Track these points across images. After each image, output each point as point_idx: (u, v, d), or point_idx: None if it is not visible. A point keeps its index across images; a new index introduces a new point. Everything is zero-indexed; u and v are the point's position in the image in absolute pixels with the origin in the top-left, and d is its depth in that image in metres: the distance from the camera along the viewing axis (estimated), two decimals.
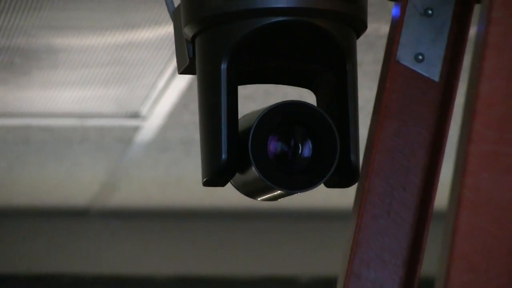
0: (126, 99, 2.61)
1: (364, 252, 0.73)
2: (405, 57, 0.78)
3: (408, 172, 0.77)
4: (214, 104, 0.77)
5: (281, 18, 0.77)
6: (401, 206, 0.79)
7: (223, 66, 0.76)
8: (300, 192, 0.77)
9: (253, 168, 0.75)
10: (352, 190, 0.76)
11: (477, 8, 0.69)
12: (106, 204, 3.68)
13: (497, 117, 0.54)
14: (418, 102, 0.74)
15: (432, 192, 0.71)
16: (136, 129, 2.88)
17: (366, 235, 0.74)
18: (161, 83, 2.63)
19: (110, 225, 4.03)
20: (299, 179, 0.79)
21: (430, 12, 0.77)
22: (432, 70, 0.78)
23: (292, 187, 0.77)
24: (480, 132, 0.56)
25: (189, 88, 2.45)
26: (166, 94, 2.68)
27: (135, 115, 2.80)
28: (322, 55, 0.80)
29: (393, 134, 0.75)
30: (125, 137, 2.88)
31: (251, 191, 0.82)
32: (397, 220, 0.73)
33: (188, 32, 0.79)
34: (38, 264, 4.32)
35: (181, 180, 3.48)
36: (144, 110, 2.74)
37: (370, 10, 0.77)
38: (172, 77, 2.40)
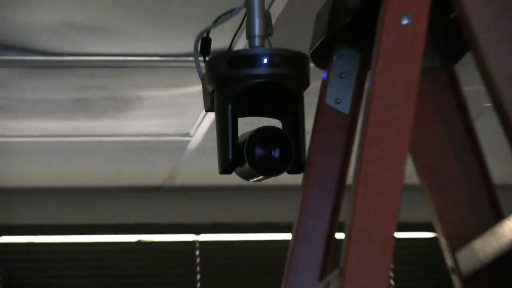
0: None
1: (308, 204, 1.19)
2: (329, 100, 1.28)
3: (326, 184, 1.25)
4: (224, 128, 1.25)
5: (263, 80, 1.28)
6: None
7: (229, 107, 1.25)
8: (273, 176, 1.26)
9: (247, 164, 1.24)
10: None
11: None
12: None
13: (382, 142, 0.94)
14: (334, 132, 1.29)
15: (340, 197, 1.26)
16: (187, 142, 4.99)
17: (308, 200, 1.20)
18: (201, 115, 4.50)
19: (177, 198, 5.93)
20: (273, 169, 1.26)
21: (343, 75, 1.28)
22: (345, 107, 1.27)
23: (269, 174, 1.25)
24: (369, 154, 0.93)
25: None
26: (203, 123, 4.61)
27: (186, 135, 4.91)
28: (285, 101, 1.31)
29: (320, 151, 1.25)
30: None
31: (246, 176, 1.32)
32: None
33: (209, 88, 1.29)
34: None
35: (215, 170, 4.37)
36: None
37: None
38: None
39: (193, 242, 5.81)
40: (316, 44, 1.31)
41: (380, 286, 0.88)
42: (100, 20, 3.52)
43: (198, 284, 5.71)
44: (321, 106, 1.29)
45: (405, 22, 0.97)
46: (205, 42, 1.43)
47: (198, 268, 5.78)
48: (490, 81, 0.97)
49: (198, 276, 5.79)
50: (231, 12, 1.37)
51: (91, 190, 5.70)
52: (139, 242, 5.86)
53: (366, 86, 1.14)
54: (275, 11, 3.19)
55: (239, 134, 1.29)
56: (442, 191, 1.23)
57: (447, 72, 1.23)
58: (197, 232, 5.85)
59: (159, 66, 4.16)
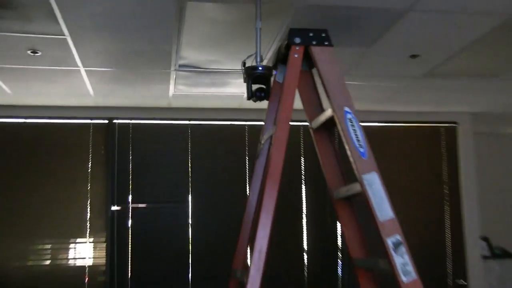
0: None
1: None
2: (276, 79, 3.50)
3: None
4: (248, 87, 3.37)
5: (259, 73, 3.51)
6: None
7: (250, 83, 3.37)
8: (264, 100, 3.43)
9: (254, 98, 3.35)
10: None
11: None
12: None
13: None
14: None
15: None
16: None
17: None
18: None
19: None
20: (262, 99, 3.34)
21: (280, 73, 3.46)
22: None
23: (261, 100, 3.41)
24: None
25: None
26: None
27: None
28: (266, 81, 3.54)
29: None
30: None
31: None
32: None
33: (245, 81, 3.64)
34: None
35: None
36: None
37: None
38: None
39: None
40: (272, 64, 3.53)
41: None
42: None
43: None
44: (274, 82, 3.46)
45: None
46: (244, 65, 3.37)
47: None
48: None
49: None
50: (252, 55, 3.38)
51: None
52: None
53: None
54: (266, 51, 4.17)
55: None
56: None
57: (310, 73, 3.39)
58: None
59: None
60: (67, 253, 6.39)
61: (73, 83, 5.61)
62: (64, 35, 4.27)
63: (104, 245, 6.37)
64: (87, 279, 6.32)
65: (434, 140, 7.31)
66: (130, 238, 6.42)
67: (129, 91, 5.95)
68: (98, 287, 6.34)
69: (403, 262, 2.83)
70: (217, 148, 6.85)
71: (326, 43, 3.10)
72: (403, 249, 2.84)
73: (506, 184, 8.37)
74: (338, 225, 6.75)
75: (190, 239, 6.58)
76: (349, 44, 4.66)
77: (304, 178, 6.86)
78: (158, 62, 5.03)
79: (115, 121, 6.61)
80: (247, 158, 6.78)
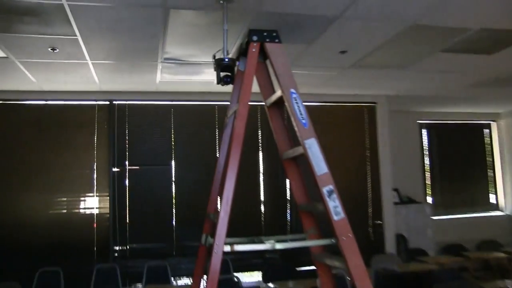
0: None
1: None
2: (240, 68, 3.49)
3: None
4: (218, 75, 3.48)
5: (226, 63, 3.51)
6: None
7: (219, 71, 3.47)
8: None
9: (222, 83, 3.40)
10: None
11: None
12: None
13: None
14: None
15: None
16: None
17: None
18: None
19: None
20: (226, 82, 3.40)
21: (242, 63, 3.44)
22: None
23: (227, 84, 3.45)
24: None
25: None
26: None
27: None
28: (231, 69, 3.52)
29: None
30: None
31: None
32: None
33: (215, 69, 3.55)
34: None
35: None
36: None
37: None
38: None
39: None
40: (236, 56, 3.52)
41: None
42: None
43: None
44: (237, 71, 3.47)
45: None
46: (214, 57, 3.36)
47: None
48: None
49: None
50: (220, 50, 3.43)
51: None
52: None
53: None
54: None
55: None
56: None
57: (265, 64, 3.39)
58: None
59: None
60: (80, 204, 6.33)
61: (82, 73, 5.55)
62: (76, 36, 4.29)
63: (107, 198, 6.33)
64: (95, 224, 6.29)
65: (359, 116, 7.37)
66: (127, 192, 6.40)
67: (126, 78, 5.86)
68: (103, 230, 6.31)
69: (334, 205, 2.87)
70: (194, 123, 6.80)
71: (277, 40, 3.08)
72: (334, 195, 2.89)
73: (411, 149, 8.54)
74: (287, 180, 6.80)
75: (173, 192, 6.59)
76: (293, 42, 4.67)
77: (261, 146, 6.88)
78: (147, 56, 5.00)
79: (114, 102, 6.55)
80: (216, 129, 6.78)
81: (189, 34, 4.37)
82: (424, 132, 8.76)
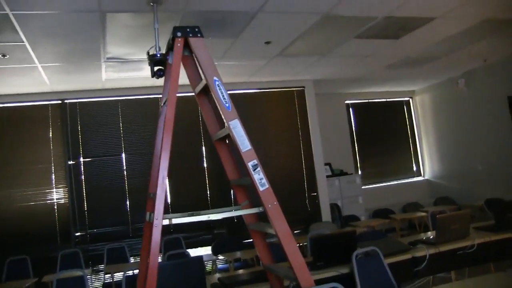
0: None
1: None
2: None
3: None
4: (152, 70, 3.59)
5: (158, 58, 3.60)
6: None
7: (153, 65, 3.56)
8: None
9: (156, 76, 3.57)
10: None
11: None
12: None
13: None
14: None
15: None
16: None
17: None
18: None
19: None
20: (159, 75, 3.62)
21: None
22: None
23: (159, 77, 3.59)
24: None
25: None
26: None
27: None
28: (164, 64, 3.61)
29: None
30: None
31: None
32: None
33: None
34: None
35: None
36: None
37: None
38: None
39: None
40: (166, 52, 3.58)
41: None
42: None
43: None
44: (167, 64, 3.58)
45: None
46: (148, 53, 3.41)
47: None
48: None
49: None
50: (153, 47, 3.48)
51: None
52: None
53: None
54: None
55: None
56: None
57: (192, 57, 3.48)
58: None
59: None
60: (40, 196, 6.28)
61: (34, 76, 5.51)
62: (23, 42, 4.31)
63: (66, 189, 6.33)
64: (56, 213, 6.28)
65: (290, 100, 7.53)
66: (83, 183, 6.41)
67: (74, 78, 5.84)
68: (64, 218, 6.31)
69: (259, 178, 3.01)
70: (141, 115, 6.82)
71: (199, 35, 3.15)
72: (258, 169, 3.02)
73: (340, 127, 8.82)
74: None
75: (125, 180, 6.63)
76: (222, 37, 4.81)
77: (203, 133, 7.00)
78: (91, 57, 5.03)
79: (66, 101, 6.50)
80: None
81: (126, 35, 4.44)
82: (352, 111, 9.05)
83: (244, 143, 3.07)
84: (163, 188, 2.94)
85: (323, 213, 7.29)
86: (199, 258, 3.68)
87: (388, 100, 9.30)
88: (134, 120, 6.76)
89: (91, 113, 6.60)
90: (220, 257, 6.01)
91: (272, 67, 6.38)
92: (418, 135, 9.48)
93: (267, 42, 5.21)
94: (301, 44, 5.39)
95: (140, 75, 6.02)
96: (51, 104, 6.45)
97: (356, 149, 8.90)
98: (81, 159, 6.43)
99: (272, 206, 3.00)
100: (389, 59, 6.59)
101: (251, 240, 3.54)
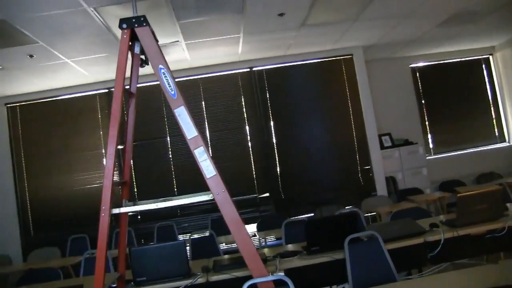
0: None
1: None
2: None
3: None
4: None
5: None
6: None
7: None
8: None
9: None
10: None
11: None
12: None
13: None
14: None
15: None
16: None
17: None
18: None
19: None
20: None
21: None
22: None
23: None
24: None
25: None
26: None
27: None
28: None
29: None
30: None
31: None
32: None
33: None
34: None
35: None
36: None
37: None
38: None
39: None
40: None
41: None
42: None
43: None
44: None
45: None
46: None
47: None
48: None
49: None
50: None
51: None
52: None
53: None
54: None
55: None
56: None
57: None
58: None
59: None
60: (95, 180, 6.81)
61: (70, 70, 5.90)
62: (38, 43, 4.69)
63: (117, 172, 6.74)
64: None
65: (336, 69, 7.17)
66: (132, 165, 6.77)
67: (112, 68, 6.14)
68: (117, 199, 6.69)
69: (206, 165, 2.99)
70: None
71: (144, 24, 3.11)
72: (205, 156, 3.00)
73: (405, 93, 8.17)
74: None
75: (171, 160, 6.88)
76: (224, 12, 4.68)
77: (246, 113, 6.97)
78: (109, 46, 5.22)
79: (112, 89, 6.84)
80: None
81: None
82: (419, 75, 8.33)
83: (190, 130, 3.05)
84: (110, 178, 3.04)
85: (378, 187, 6.94)
86: (181, 243, 3.74)
87: (462, 59, 8.38)
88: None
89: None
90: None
91: (304, 38, 6.14)
92: (500, 96, 8.42)
93: (281, 14, 5.00)
94: (321, 13, 5.09)
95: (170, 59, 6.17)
96: (98, 93, 6.88)
97: (425, 116, 8.19)
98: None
99: (220, 193, 3.00)
100: (437, 17, 5.91)
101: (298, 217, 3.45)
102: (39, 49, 4.88)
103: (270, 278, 2.83)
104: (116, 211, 3.05)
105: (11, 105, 6.78)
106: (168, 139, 6.90)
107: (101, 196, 2.96)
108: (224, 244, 5.93)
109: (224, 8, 4.54)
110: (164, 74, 3.12)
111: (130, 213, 6.69)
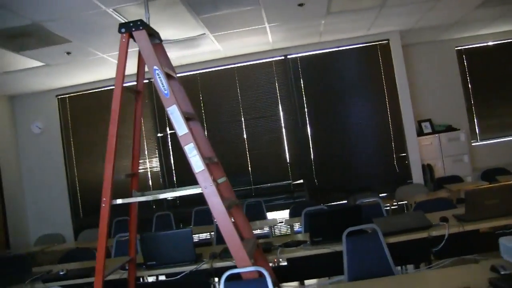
0: None
1: None
2: None
3: None
4: None
5: None
6: None
7: None
8: None
9: None
10: None
11: None
12: None
13: None
14: None
15: None
16: None
17: None
18: None
19: None
20: None
21: None
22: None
23: None
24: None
25: None
26: None
27: None
28: None
29: None
30: None
31: None
32: None
33: None
34: None
35: None
36: None
37: None
38: None
39: None
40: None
41: None
42: None
43: None
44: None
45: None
46: None
47: None
48: None
49: None
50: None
51: None
52: None
53: None
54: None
55: None
56: None
57: (161, 45, 3.67)
58: None
59: None
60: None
61: (108, 64, 6.26)
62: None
63: (157, 158, 7.14)
64: (150, 180, 7.16)
65: (372, 54, 7.06)
66: (171, 152, 7.13)
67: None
68: (157, 185, 7.18)
69: (195, 160, 3.15)
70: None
71: (141, 28, 3.29)
72: (195, 151, 3.16)
73: (449, 77, 7.86)
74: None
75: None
76: (241, 6, 4.80)
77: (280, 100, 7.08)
78: None
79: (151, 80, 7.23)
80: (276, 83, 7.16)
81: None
82: (465, 58, 7.96)
83: (181, 127, 3.22)
84: (110, 171, 3.33)
85: (413, 174, 6.83)
86: (188, 231, 3.98)
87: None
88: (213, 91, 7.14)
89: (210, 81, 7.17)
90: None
91: (334, 25, 6.13)
92: None
93: (300, 4, 5.04)
94: (343, 0, 5.07)
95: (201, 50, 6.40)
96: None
97: (472, 101, 7.85)
98: (168, 131, 7.10)
99: (208, 188, 3.14)
100: None
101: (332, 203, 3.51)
102: (74, 47, 5.27)
103: (249, 269, 2.98)
104: (116, 201, 3.31)
105: (61, 96, 7.33)
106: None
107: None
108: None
109: (239, 1, 4.65)
110: (158, 75, 3.30)
111: (169, 198, 7.09)
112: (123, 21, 4.60)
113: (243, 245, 3.05)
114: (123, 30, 3.36)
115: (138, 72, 3.85)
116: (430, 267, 3.83)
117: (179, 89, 3.80)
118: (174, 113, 3.26)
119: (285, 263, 3.96)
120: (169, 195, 3.44)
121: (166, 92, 3.29)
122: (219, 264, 3.82)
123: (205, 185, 3.13)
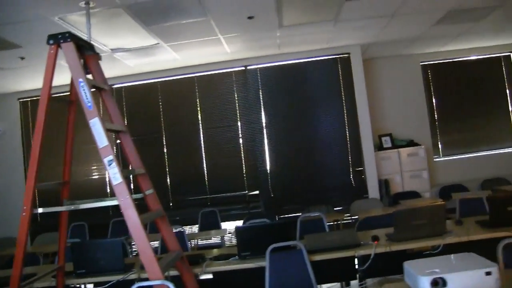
0: None
1: None
2: None
3: None
4: None
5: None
6: None
7: None
8: None
9: None
10: None
11: None
12: None
13: None
14: None
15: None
16: None
17: None
18: None
19: None
20: None
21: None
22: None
23: None
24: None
25: None
26: None
27: None
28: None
29: None
30: None
31: None
32: None
33: None
34: None
35: None
36: None
37: None
38: None
39: None
40: None
41: None
42: None
43: None
44: None
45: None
46: None
47: None
48: None
49: None
50: None
51: None
52: None
53: None
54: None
55: None
56: None
57: (95, 56, 3.78)
58: None
59: None
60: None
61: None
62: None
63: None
64: (108, 187, 7.24)
65: (334, 67, 7.18)
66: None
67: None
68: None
69: (114, 172, 3.23)
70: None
71: (69, 40, 3.38)
72: (114, 164, 3.24)
73: (413, 92, 7.99)
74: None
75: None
76: (189, 17, 4.91)
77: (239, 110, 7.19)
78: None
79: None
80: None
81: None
82: (430, 73, 8.11)
83: (101, 140, 3.31)
84: (32, 180, 3.39)
85: (370, 189, 6.95)
86: (119, 241, 4.08)
87: (478, 57, 8.04)
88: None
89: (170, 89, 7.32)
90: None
91: (290, 38, 6.24)
92: None
93: (250, 17, 5.15)
94: (293, 15, 5.19)
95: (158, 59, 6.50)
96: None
97: (435, 116, 7.99)
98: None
99: (124, 200, 3.21)
100: (431, 15, 5.78)
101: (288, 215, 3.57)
102: (27, 53, 5.46)
103: (156, 282, 3.06)
104: (38, 210, 3.39)
105: (23, 100, 7.52)
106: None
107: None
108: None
109: (185, 13, 4.74)
110: (83, 87, 3.40)
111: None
112: (68, 30, 4.73)
113: (156, 258, 3.13)
114: (51, 41, 3.45)
115: (72, 82, 3.92)
116: (348, 286, 3.91)
117: (110, 101, 3.87)
118: (96, 126, 3.35)
119: (211, 276, 4.03)
120: (87, 205, 3.52)
121: (89, 104, 3.38)
122: (145, 275, 3.88)
123: (122, 198, 3.20)
